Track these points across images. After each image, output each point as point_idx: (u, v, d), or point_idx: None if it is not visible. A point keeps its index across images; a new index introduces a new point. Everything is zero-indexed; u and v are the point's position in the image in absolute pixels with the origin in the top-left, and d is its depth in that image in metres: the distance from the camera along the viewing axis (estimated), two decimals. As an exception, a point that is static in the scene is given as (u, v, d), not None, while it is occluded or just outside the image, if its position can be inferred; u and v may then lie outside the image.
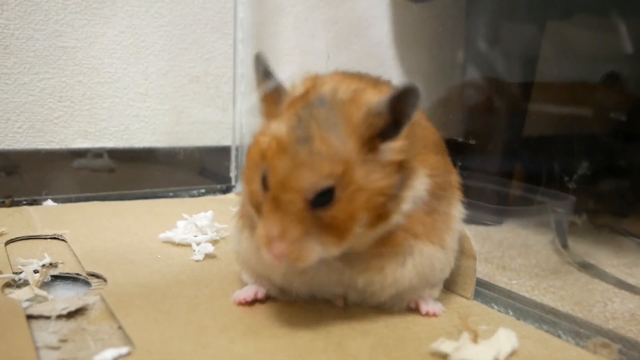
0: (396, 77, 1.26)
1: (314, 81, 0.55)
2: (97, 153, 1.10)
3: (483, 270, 0.86)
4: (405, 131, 0.50)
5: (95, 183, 1.09)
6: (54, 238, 0.79)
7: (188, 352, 0.49)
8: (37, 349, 0.49)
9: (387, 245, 0.54)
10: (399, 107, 0.49)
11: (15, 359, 0.46)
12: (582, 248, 0.90)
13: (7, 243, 0.75)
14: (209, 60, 1.18)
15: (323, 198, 0.48)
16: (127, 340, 0.52)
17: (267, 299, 0.61)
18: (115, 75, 1.10)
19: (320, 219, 0.48)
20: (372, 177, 0.49)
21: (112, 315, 0.57)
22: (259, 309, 0.59)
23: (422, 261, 0.56)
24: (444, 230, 0.58)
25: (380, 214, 0.50)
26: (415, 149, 0.53)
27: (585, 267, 0.84)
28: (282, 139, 0.49)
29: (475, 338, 0.53)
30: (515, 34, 1.11)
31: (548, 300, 0.77)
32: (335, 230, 0.49)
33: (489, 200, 1.00)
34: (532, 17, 1.06)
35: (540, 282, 0.83)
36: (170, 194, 1.12)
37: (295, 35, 1.22)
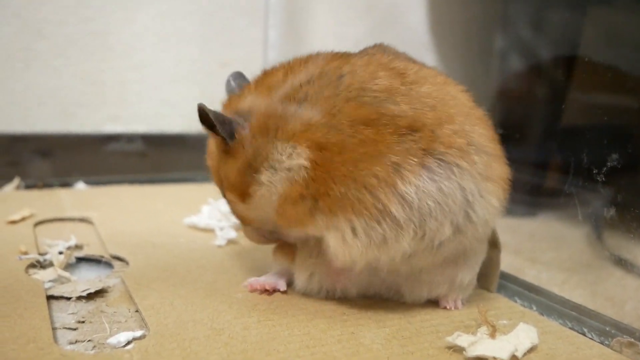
0: (432, 63, 1.24)
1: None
2: (129, 137, 1.11)
3: (512, 263, 0.84)
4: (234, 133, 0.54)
5: (126, 167, 1.10)
6: (82, 220, 0.81)
7: (201, 338, 0.49)
8: (54, 329, 0.50)
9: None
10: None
11: (32, 339, 0.47)
12: (618, 242, 0.87)
13: (36, 224, 0.77)
14: (239, 46, 1.18)
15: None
16: (143, 323, 0.52)
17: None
18: (146, 61, 1.11)
19: None
20: (226, 167, 0.57)
21: (130, 298, 0.57)
22: (275, 296, 0.59)
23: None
24: None
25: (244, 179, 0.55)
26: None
27: (621, 262, 0.81)
28: None
29: (493, 333, 0.51)
30: (555, 19, 1.08)
31: (578, 295, 0.75)
32: None
33: (521, 191, 0.97)
34: (574, 1, 1.02)
35: (572, 276, 0.81)
36: (199, 178, 1.12)
37: (328, 22, 1.21)
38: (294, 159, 0.52)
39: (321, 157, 0.51)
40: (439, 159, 0.51)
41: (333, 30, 1.21)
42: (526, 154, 1.04)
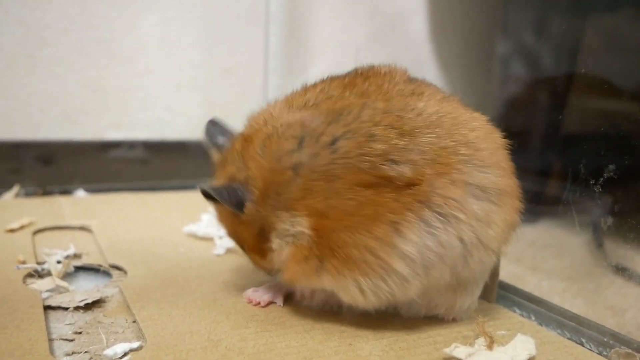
0: (433, 71, 1.24)
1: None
2: (131, 144, 1.11)
3: (513, 271, 0.84)
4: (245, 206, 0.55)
5: (127, 174, 1.10)
6: (81, 229, 0.81)
7: (198, 349, 0.49)
8: (51, 340, 0.50)
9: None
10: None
11: (27, 351, 0.47)
12: (618, 250, 0.86)
13: (35, 233, 0.77)
14: (241, 53, 1.18)
15: None
16: (140, 334, 0.52)
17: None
18: (149, 67, 1.11)
19: None
20: (240, 230, 0.58)
21: (128, 308, 0.57)
22: (273, 307, 0.59)
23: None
24: None
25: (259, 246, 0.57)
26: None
27: (621, 270, 0.81)
28: None
29: (490, 344, 0.51)
30: (556, 27, 1.08)
31: (579, 303, 0.75)
32: None
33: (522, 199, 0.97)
34: (575, 9, 1.02)
35: (572, 285, 0.81)
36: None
37: (329, 29, 1.21)
38: (296, 227, 0.52)
39: (321, 225, 0.51)
40: (437, 212, 0.50)
41: (334, 38, 1.21)
42: (526, 161, 1.04)
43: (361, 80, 0.57)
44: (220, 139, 0.62)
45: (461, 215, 0.51)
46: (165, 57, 1.12)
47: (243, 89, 1.20)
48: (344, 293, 0.53)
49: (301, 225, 0.52)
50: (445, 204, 0.50)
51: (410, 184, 0.50)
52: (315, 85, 0.59)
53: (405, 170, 0.50)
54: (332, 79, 0.59)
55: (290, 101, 0.58)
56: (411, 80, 0.58)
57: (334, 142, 0.51)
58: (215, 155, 0.63)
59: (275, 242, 0.54)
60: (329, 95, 0.56)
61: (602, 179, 0.65)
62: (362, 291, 0.51)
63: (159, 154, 1.14)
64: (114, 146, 1.10)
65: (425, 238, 0.50)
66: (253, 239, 0.56)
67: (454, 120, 0.53)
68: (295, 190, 0.52)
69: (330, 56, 1.21)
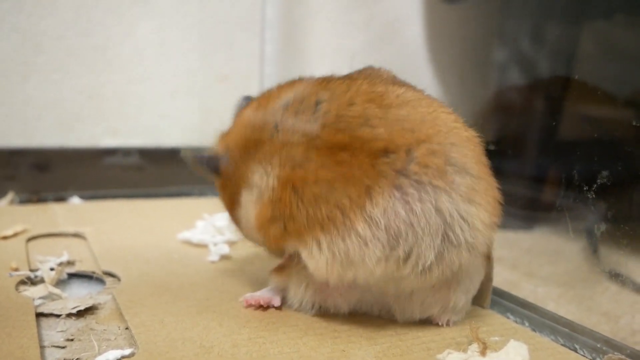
0: (428, 77, 1.24)
1: None
2: (126, 151, 1.11)
3: (508, 277, 0.84)
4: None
5: (123, 181, 1.10)
6: (75, 236, 0.81)
7: (190, 356, 0.49)
8: (42, 347, 0.50)
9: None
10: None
11: (19, 358, 0.47)
12: (613, 257, 0.87)
13: (28, 240, 0.77)
14: (237, 60, 1.18)
15: None
16: (132, 341, 0.52)
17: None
18: (145, 74, 1.11)
19: None
20: (221, 190, 0.63)
21: (121, 315, 0.57)
22: (267, 313, 0.59)
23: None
24: None
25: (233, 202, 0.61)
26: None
27: (616, 276, 0.81)
28: None
29: (483, 350, 0.51)
30: (551, 34, 1.08)
31: (574, 310, 0.75)
32: None
33: (517, 205, 0.97)
34: (569, 16, 1.02)
35: (568, 291, 0.81)
36: (196, 192, 1.12)
37: (325, 35, 1.21)
38: (263, 178, 0.55)
39: (293, 175, 0.52)
40: (413, 180, 0.50)
41: (330, 44, 1.21)
42: (521, 167, 1.04)
43: (355, 75, 0.60)
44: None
45: (439, 183, 0.51)
46: (161, 64, 1.12)
47: (239, 96, 1.19)
48: (304, 251, 0.54)
49: (270, 176, 0.54)
50: (424, 172, 0.50)
51: (386, 151, 0.51)
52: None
53: (381, 132, 0.51)
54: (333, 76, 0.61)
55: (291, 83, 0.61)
56: (396, 80, 0.61)
57: (316, 103, 0.54)
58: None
59: (242, 196, 0.57)
60: (327, 80, 0.58)
61: (595, 185, 0.66)
62: (319, 245, 0.52)
63: (155, 160, 1.14)
64: (109, 153, 1.10)
65: (397, 205, 0.50)
66: (228, 199, 0.61)
67: (431, 105, 0.55)
68: (274, 144, 0.54)
69: (326, 63, 1.21)
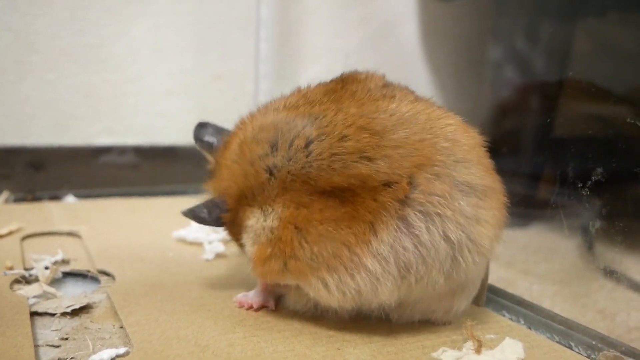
0: (424, 76, 1.24)
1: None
2: (121, 150, 1.11)
3: (504, 275, 0.84)
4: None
5: (118, 180, 1.10)
6: (70, 234, 0.80)
7: (185, 355, 0.49)
8: (37, 346, 0.50)
9: None
10: None
11: (13, 357, 0.47)
12: (608, 254, 0.87)
13: (23, 238, 0.77)
14: (232, 59, 1.18)
15: None
16: (127, 340, 0.52)
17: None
18: (140, 73, 1.11)
19: None
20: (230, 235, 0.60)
21: (115, 314, 0.57)
22: (262, 312, 0.59)
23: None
24: None
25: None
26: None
27: (611, 273, 0.81)
28: None
29: (478, 348, 0.51)
30: (546, 32, 1.08)
31: (569, 307, 0.75)
32: None
33: (512, 203, 0.97)
34: (564, 14, 1.02)
35: (563, 289, 0.81)
36: (191, 190, 1.12)
37: (320, 35, 1.21)
38: (260, 221, 0.53)
39: (298, 215, 0.51)
40: (418, 210, 0.49)
41: (325, 43, 1.21)
42: (516, 164, 1.04)
43: (340, 86, 0.57)
44: (210, 139, 0.63)
45: (447, 212, 0.49)
46: (156, 63, 1.12)
47: (234, 95, 1.19)
48: (309, 289, 0.53)
49: (269, 218, 0.53)
50: (429, 201, 0.49)
51: (388, 182, 0.49)
52: (302, 89, 0.59)
53: (381, 165, 0.49)
54: (318, 85, 0.59)
55: (271, 104, 0.59)
56: (385, 85, 0.58)
57: (307, 145, 0.51)
58: (208, 157, 0.64)
59: (243, 238, 0.56)
60: (309, 99, 0.56)
61: (590, 182, 0.66)
62: (326, 287, 0.51)
63: (150, 159, 1.13)
64: (104, 152, 1.10)
65: (403, 239, 0.49)
66: (235, 239, 0.58)
67: (428, 116, 0.52)
68: (272, 189, 0.53)
69: (321, 62, 1.21)
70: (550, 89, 1.05)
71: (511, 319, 0.62)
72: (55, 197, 1.01)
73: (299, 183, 0.51)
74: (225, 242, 0.78)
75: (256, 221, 0.54)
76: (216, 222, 0.57)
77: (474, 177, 0.51)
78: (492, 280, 0.66)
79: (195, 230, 0.81)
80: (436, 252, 0.50)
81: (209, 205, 0.57)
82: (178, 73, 1.14)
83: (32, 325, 0.53)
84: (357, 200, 0.49)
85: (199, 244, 0.78)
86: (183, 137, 1.16)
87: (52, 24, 1.03)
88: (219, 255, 0.74)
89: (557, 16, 1.04)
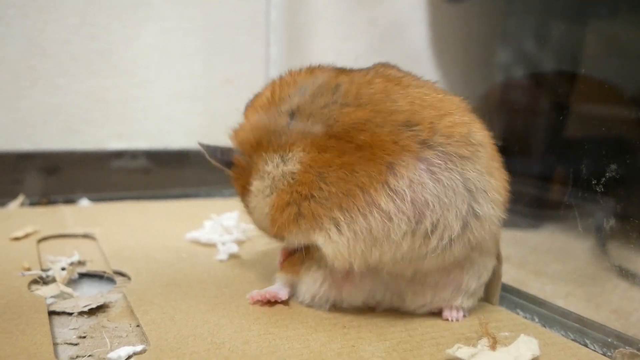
0: (433, 77, 1.24)
1: None
2: (133, 154, 1.12)
3: (515, 276, 0.83)
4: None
5: (130, 183, 1.10)
6: (85, 236, 0.81)
7: (201, 352, 0.49)
8: (55, 344, 0.50)
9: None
10: None
11: (32, 354, 0.47)
12: (622, 253, 0.86)
13: (39, 241, 0.77)
14: (241, 63, 1.19)
15: None
16: (144, 338, 0.52)
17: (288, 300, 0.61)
18: (150, 78, 1.12)
19: None
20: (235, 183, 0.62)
21: (132, 313, 0.57)
22: (277, 309, 0.59)
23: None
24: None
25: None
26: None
27: (626, 272, 0.80)
28: None
29: (493, 344, 0.51)
30: (555, 32, 1.08)
31: (583, 307, 0.74)
32: None
33: (524, 204, 0.97)
34: (574, 14, 1.02)
35: (576, 289, 0.81)
36: (203, 194, 1.13)
37: (329, 37, 1.21)
38: (280, 167, 0.54)
39: (319, 158, 0.52)
40: (439, 150, 0.51)
41: (334, 46, 1.21)
42: (528, 166, 1.04)
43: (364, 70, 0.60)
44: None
45: (465, 152, 0.51)
46: (166, 67, 1.13)
47: (243, 99, 1.19)
48: (321, 235, 0.53)
49: (290, 162, 0.54)
50: (449, 143, 0.51)
51: (410, 123, 0.51)
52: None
53: (403, 105, 0.51)
54: None
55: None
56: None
57: (337, 86, 0.53)
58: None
59: (254, 185, 0.57)
60: (340, 69, 0.59)
61: (604, 179, 0.66)
62: (338, 227, 0.51)
63: (161, 163, 1.14)
64: (116, 156, 1.11)
65: (423, 176, 0.50)
66: (240, 190, 0.60)
67: (444, 91, 0.56)
68: (292, 133, 0.54)
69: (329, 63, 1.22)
70: (561, 88, 1.05)
71: (525, 317, 0.62)
72: (70, 201, 1.01)
73: (320, 125, 0.52)
74: (238, 242, 0.78)
75: (275, 167, 0.55)
76: (227, 164, 0.60)
77: (486, 139, 0.54)
78: (505, 280, 0.66)
79: (208, 232, 0.81)
80: (454, 192, 0.51)
81: (225, 148, 0.61)
82: (187, 77, 1.15)
83: (51, 324, 0.54)
84: (376, 142, 0.50)
85: (212, 245, 0.78)
86: (193, 140, 1.16)
87: (63, 30, 1.04)
88: (232, 256, 0.75)
89: (567, 16, 1.04)
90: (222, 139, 1.17)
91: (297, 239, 0.56)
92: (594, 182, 0.67)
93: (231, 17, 1.16)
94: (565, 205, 0.81)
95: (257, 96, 0.62)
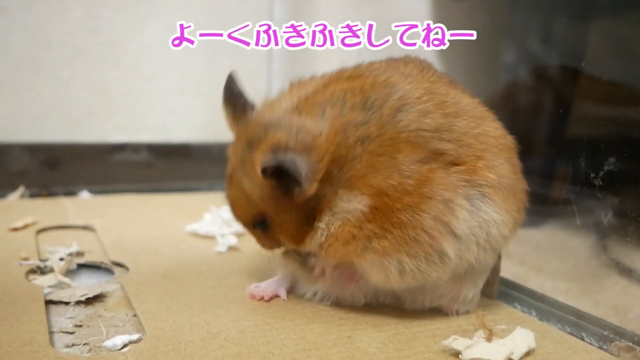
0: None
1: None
2: (136, 147, 1.12)
3: (516, 272, 0.83)
4: (314, 179, 0.51)
5: (132, 177, 1.11)
6: (84, 228, 0.81)
7: (197, 341, 0.49)
8: (51, 333, 0.51)
9: None
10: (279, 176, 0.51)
11: (28, 342, 0.47)
12: (622, 250, 0.86)
13: (38, 232, 0.77)
14: (244, 57, 1.19)
15: (261, 224, 0.56)
16: (140, 327, 0.52)
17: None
18: (153, 71, 1.12)
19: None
20: (283, 215, 0.54)
21: (129, 303, 0.58)
22: (274, 300, 0.59)
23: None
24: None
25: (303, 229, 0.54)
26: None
27: (625, 268, 0.80)
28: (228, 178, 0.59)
29: (489, 336, 0.51)
30: (560, 30, 1.08)
31: (582, 303, 0.74)
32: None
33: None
34: (578, 13, 1.02)
35: (576, 286, 0.81)
36: (204, 187, 1.13)
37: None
38: (352, 204, 0.52)
39: (381, 203, 0.51)
40: (479, 191, 0.53)
41: (337, 42, 1.21)
42: (530, 163, 1.04)
43: (402, 64, 0.58)
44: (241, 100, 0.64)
45: (496, 198, 0.53)
46: (170, 61, 1.13)
47: (247, 94, 1.20)
48: (381, 272, 0.53)
49: (360, 203, 0.51)
50: (486, 184, 0.53)
51: (454, 163, 0.52)
52: (356, 65, 0.60)
53: (450, 147, 0.52)
54: (371, 62, 0.60)
55: (342, 72, 0.59)
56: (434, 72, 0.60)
57: (396, 112, 0.52)
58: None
59: (323, 221, 0.53)
60: (373, 70, 0.57)
61: (602, 172, 0.65)
62: (402, 272, 0.52)
63: (163, 156, 1.14)
64: (118, 149, 1.11)
65: (472, 216, 0.52)
66: (296, 221, 0.54)
67: (481, 113, 0.57)
68: (360, 167, 0.51)
69: (334, 60, 1.21)
70: (562, 85, 1.04)
71: (523, 311, 0.62)
72: (70, 193, 1.02)
73: (386, 157, 0.51)
74: (237, 235, 0.78)
75: (347, 202, 0.51)
76: (305, 180, 0.51)
77: (508, 173, 0.56)
78: (505, 276, 0.66)
79: (208, 224, 0.81)
80: (487, 232, 0.54)
81: (297, 159, 0.50)
82: (191, 71, 1.15)
83: (47, 313, 0.54)
84: (432, 177, 0.51)
85: (212, 238, 0.78)
86: (196, 134, 1.17)
87: (67, 22, 1.04)
88: (231, 248, 0.75)
89: (571, 15, 1.04)
90: (225, 133, 1.17)
91: (348, 263, 0.55)
92: (592, 174, 0.67)
93: (234, 11, 1.16)
94: (566, 200, 0.81)
95: (310, 95, 0.56)
